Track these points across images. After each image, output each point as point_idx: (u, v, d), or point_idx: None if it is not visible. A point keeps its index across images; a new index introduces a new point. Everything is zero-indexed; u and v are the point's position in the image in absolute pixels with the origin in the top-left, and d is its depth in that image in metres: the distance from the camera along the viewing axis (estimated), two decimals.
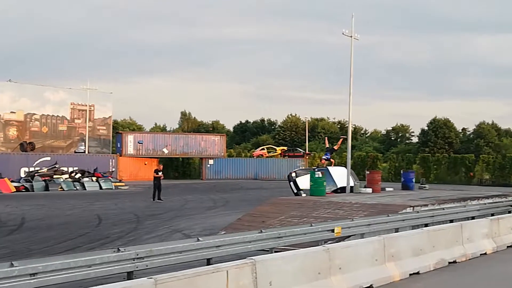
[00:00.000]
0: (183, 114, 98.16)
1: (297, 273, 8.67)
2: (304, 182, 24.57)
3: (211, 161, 60.63)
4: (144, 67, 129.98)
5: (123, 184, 43.97)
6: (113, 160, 47.97)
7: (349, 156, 25.98)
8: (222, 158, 61.42)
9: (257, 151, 66.89)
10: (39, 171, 40.82)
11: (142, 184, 44.29)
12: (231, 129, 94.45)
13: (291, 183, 25.75)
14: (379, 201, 19.50)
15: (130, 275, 9.37)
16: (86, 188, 40.05)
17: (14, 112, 56.55)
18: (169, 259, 10.15)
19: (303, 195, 23.60)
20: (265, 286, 7.99)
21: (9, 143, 55.39)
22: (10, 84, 57.00)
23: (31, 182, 38.69)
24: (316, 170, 24.08)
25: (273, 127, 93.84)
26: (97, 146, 61.85)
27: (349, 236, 13.84)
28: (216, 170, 60.00)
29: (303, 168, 28.63)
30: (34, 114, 58.11)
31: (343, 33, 24.80)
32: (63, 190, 38.71)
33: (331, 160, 28.31)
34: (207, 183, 50.65)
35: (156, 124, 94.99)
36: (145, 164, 58.83)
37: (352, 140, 28.55)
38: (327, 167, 26.82)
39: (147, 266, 9.64)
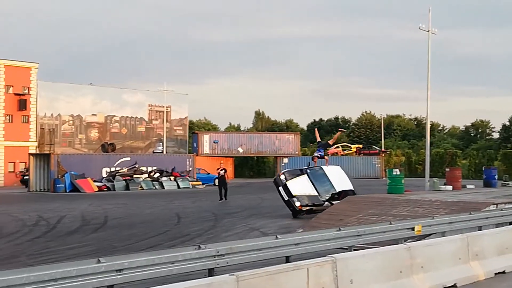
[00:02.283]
0: (257, 113, 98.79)
1: (378, 272, 8.56)
2: (297, 186, 20.87)
3: (285, 160, 60.69)
4: (218, 67, 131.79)
5: (200, 183, 44.72)
6: (190, 160, 48.80)
7: (427, 153, 25.47)
8: (297, 156, 61.36)
9: (332, 149, 66.40)
10: (119, 171, 42.09)
11: None
12: (305, 128, 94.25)
13: (280, 188, 21.07)
14: (460, 198, 18.99)
15: (211, 272, 9.51)
16: (165, 187, 41.02)
17: (95, 115, 58.62)
18: (248, 256, 10.23)
19: (297, 204, 20.38)
20: (345, 284, 7.94)
21: (91, 144, 57.45)
22: (91, 88, 59.14)
23: (113, 181, 39.98)
24: (308, 169, 21.61)
25: (347, 125, 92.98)
26: (174, 146, 63.20)
27: (430, 234, 13.52)
28: (291, 168, 59.98)
29: (292, 169, 24.69)
30: (114, 116, 60.03)
31: (419, 28, 24.36)
32: (143, 189, 39.79)
33: (325, 157, 23.16)
34: None
35: (230, 123, 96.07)
36: (221, 163, 59.50)
37: (429, 137, 27.80)
38: (322, 166, 22.34)
39: (227, 263, 9.74)
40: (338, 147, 66.44)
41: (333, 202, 20.58)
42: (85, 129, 58.16)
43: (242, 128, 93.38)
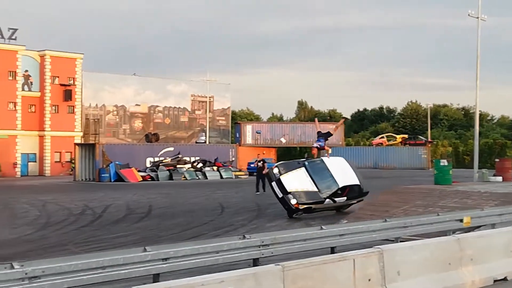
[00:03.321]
0: (300, 103, 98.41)
1: (426, 263, 8.39)
2: (292, 181, 18.13)
3: (329, 150, 60.39)
4: (260, 57, 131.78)
5: (243, 173, 44.80)
6: (233, 150, 48.95)
7: (476, 143, 24.92)
8: (340, 147, 60.95)
9: (377, 140, 65.70)
10: (163, 161, 42.46)
11: None
12: (349, 118, 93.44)
13: (273, 183, 18.33)
14: (511, 190, 18.49)
15: (255, 262, 9.49)
16: (208, 177, 41.22)
17: (139, 105, 59.32)
18: (292, 246, 10.16)
19: (293, 201, 17.63)
20: (392, 275, 7.79)
21: (135, 134, 58.19)
22: (135, 78, 59.85)
23: (156, 171, 40.38)
24: (307, 162, 19.05)
25: (392, 115, 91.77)
26: (217, 136, 63.51)
27: (479, 226, 13.20)
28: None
29: (288, 161, 20.14)
30: (157, 106, 60.64)
31: (468, 15, 23.75)
32: (186, 179, 40.07)
33: (326, 148, 20.03)
34: None
35: (273, 114, 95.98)
36: (264, 154, 59.60)
37: (478, 127, 27.14)
38: (323, 158, 19.78)
39: (272, 253, 9.70)
40: (382, 137, 65.72)
41: (336, 199, 18.45)
42: (129, 119, 58.93)
43: (284, 118, 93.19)
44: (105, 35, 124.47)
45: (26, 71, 50.62)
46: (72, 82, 52.83)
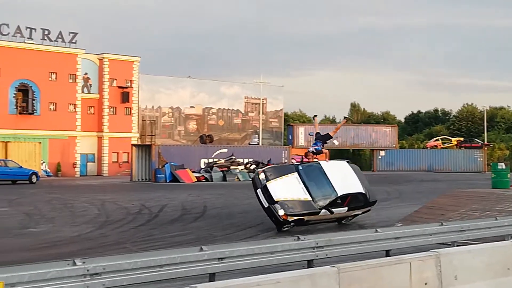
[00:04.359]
0: (353, 105, 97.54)
1: (484, 268, 8.26)
2: (281, 188, 15.73)
3: (382, 153, 59.79)
4: (312, 59, 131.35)
5: None
6: (286, 152, 49.03)
7: None
8: (394, 149, 60.22)
9: (431, 142, 64.62)
10: (217, 162, 42.91)
11: None
12: (402, 120, 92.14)
13: (258, 191, 16.02)
14: None
15: (310, 263, 9.54)
16: None
17: (194, 107, 60.12)
18: (347, 249, 10.18)
19: (280, 212, 15.19)
20: (450, 280, 7.72)
21: (189, 135, 58.97)
22: (190, 80, 60.66)
23: (210, 172, 40.83)
24: (300, 166, 16.72)
25: (447, 117, 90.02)
26: (270, 138, 63.71)
27: None
28: (388, 161, 59.10)
29: (279, 165, 17.85)
30: (211, 108, 61.28)
31: None
32: (239, 180, 40.38)
33: (323, 152, 18.03)
34: (379, 174, 49.99)
35: (325, 116, 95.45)
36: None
37: None
38: (320, 162, 17.18)
39: (326, 255, 9.74)
40: (437, 139, 64.60)
41: (334, 210, 15.97)
42: (184, 121, 59.75)
43: (337, 120, 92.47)
44: (161, 38, 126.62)
45: (86, 74, 52.05)
46: (129, 84, 53.99)
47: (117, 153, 52.62)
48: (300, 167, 16.44)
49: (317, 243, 9.62)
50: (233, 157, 43.96)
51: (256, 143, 57.69)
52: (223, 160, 43.41)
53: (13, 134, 45.87)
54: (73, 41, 50.15)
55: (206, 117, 61.07)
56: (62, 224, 17.68)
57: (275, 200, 15.34)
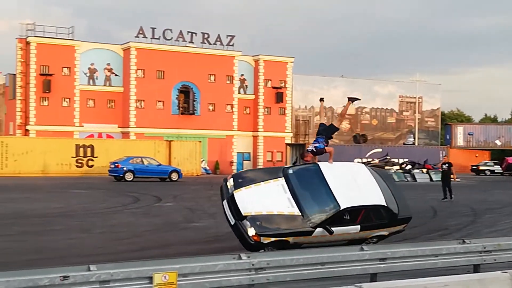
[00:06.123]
0: None
1: None
2: (254, 199, 11.18)
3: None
4: (473, 57, 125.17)
5: (454, 176, 42.95)
6: (443, 152, 47.30)
7: None
8: None
9: None
10: (371, 162, 42.42)
11: (477, 177, 42.73)
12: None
13: (224, 202, 11.69)
14: None
15: (476, 268, 9.12)
16: (417, 179, 40.30)
17: None
18: None
19: (250, 231, 10.55)
20: None
21: (342, 135, 58.81)
22: (342, 80, 60.53)
23: None
24: (290, 169, 12.00)
25: None
26: (425, 138, 61.75)
27: None
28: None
29: (258, 168, 12.55)
30: (365, 107, 60.66)
31: None
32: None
33: (327, 149, 12.34)
34: None
35: (486, 115, 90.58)
36: (476, 157, 56.65)
37: None
38: (319, 163, 12.29)
39: (494, 260, 9.25)
40: None
41: (336, 229, 10.95)
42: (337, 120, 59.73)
43: (499, 119, 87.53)
44: (314, 38, 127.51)
45: (242, 75, 53.86)
46: (283, 85, 55.03)
47: (271, 152, 53.83)
48: (290, 171, 11.95)
49: (484, 247, 9.16)
50: (388, 157, 43.27)
51: (411, 143, 56.24)
52: (378, 160, 42.89)
53: (176, 134, 48.64)
54: (231, 43, 52.09)
55: (359, 116, 60.56)
56: (223, 220, 18.39)
57: (243, 214, 10.89)
